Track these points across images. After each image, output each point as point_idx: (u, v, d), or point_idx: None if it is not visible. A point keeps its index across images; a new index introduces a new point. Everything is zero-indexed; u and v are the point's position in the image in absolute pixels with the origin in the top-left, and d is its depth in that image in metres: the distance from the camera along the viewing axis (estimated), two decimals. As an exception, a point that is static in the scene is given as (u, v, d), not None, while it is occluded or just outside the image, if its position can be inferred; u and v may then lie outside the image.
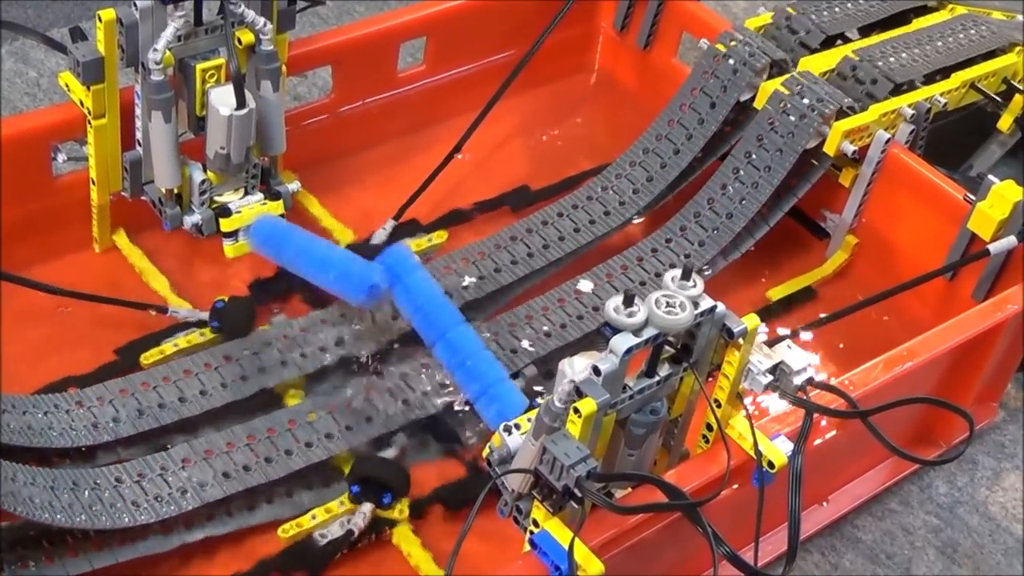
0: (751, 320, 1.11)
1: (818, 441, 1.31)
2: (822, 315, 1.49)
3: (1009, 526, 1.47)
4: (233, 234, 1.44)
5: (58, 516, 1.16)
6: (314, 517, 1.28)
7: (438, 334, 1.29)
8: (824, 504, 1.44)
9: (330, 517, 1.28)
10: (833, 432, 1.33)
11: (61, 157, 1.47)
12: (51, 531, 1.19)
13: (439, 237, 1.59)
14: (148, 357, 1.40)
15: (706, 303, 1.07)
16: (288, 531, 1.27)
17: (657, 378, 1.10)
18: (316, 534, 1.27)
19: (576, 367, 1.06)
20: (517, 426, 1.09)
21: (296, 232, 1.41)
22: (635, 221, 1.62)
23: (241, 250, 1.45)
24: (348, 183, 1.67)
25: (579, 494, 1.03)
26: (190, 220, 1.45)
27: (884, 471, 1.49)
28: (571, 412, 1.03)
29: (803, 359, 1.15)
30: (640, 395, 1.09)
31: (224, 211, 1.45)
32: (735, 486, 1.22)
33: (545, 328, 1.47)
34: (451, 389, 1.39)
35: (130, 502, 1.22)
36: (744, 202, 1.55)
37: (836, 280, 1.67)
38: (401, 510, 1.30)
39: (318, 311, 1.45)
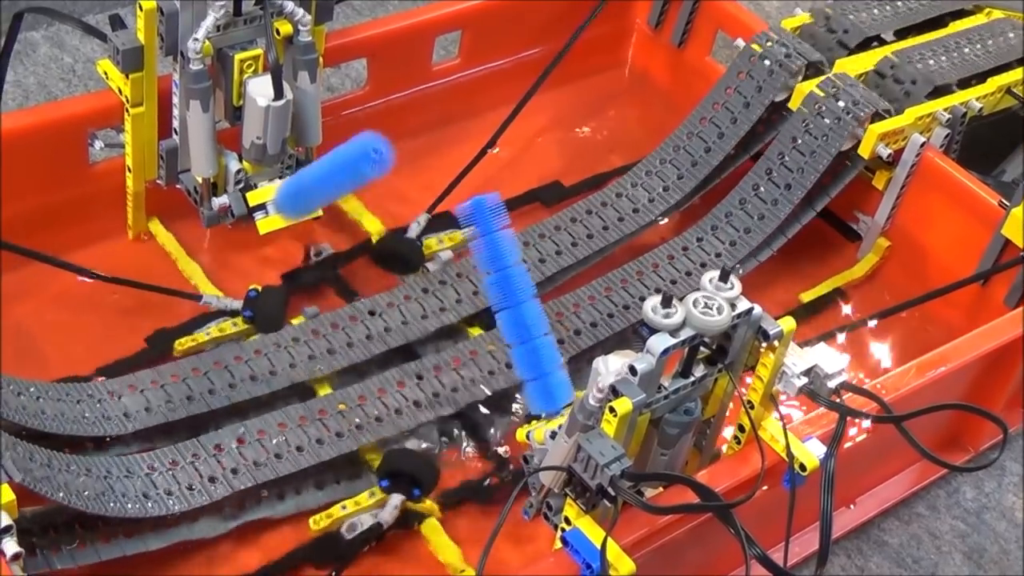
0: (787, 323, 1.11)
1: (848, 444, 1.31)
2: (850, 317, 1.48)
3: (1036, 533, 1.48)
4: (262, 207, 1.43)
5: (91, 503, 1.17)
6: (344, 508, 1.28)
7: (510, 303, 1.19)
8: (851, 507, 1.44)
9: (360, 509, 1.29)
10: (863, 436, 1.33)
11: (98, 144, 1.48)
12: (83, 516, 1.19)
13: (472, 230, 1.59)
14: (181, 344, 1.40)
15: (743, 305, 1.07)
16: (319, 522, 1.27)
17: (692, 379, 1.10)
18: (345, 526, 1.28)
19: (611, 366, 1.06)
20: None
21: (309, 171, 1.35)
22: (662, 221, 1.62)
23: (274, 224, 1.42)
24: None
25: (612, 493, 1.03)
26: (218, 202, 1.44)
27: (912, 475, 1.49)
28: (607, 411, 1.03)
29: (837, 362, 1.15)
30: (675, 395, 1.10)
31: (249, 186, 1.45)
32: (765, 487, 1.22)
33: (576, 326, 1.47)
34: (482, 385, 1.39)
35: (163, 490, 1.22)
36: (776, 204, 1.55)
37: (867, 283, 1.67)
38: (430, 504, 1.30)
39: (347, 307, 1.46)
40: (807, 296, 1.62)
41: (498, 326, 1.14)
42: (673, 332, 1.04)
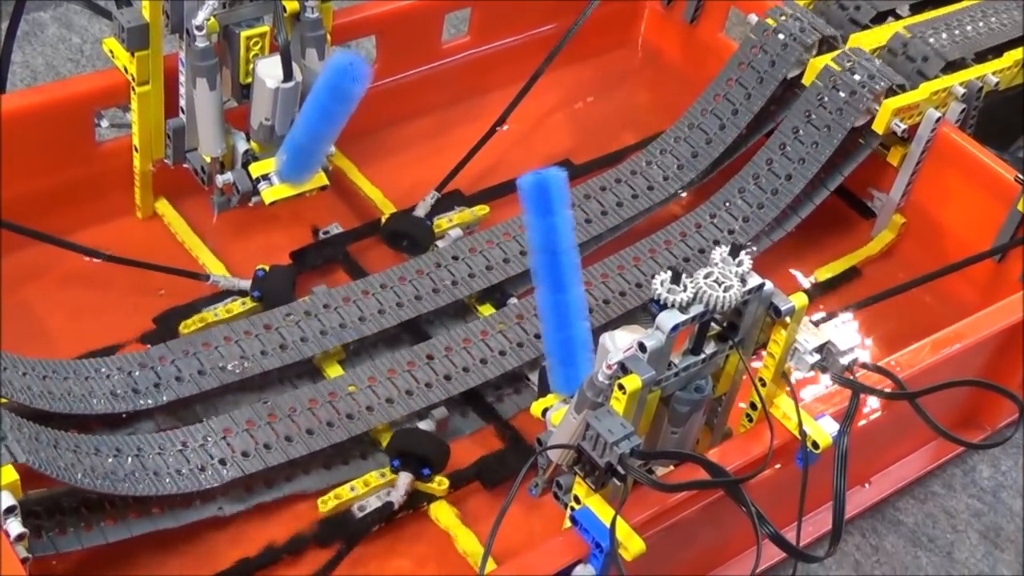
0: (799, 299, 1.09)
1: (862, 422, 1.30)
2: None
3: (1053, 512, 1.46)
4: (267, 178, 1.41)
5: (100, 482, 1.16)
6: (353, 489, 1.27)
7: (555, 286, 1.12)
8: (866, 486, 1.43)
9: (369, 490, 1.28)
10: (877, 413, 1.31)
11: (104, 123, 1.47)
12: (89, 499, 1.19)
13: (481, 211, 1.58)
14: (188, 326, 1.39)
15: (754, 281, 1.06)
16: (327, 503, 1.26)
17: (702, 356, 1.09)
18: (355, 506, 1.27)
19: (618, 342, 1.05)
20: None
21: (299, 121, 1.33)
22: (681, 196, 1.61)
23: (280, 193, 1.40)
24: (390, 154, 1.67)
25: (622, 471, 1.02)
26: (223, 179, 1.43)
27: (927, 454, 1.47)
28: (616, 388, 1.02)
29: (850, 339, 1.13)
30: (685, 372, 1.08)
31: (250, 159, 1.43)
32: (777, 466, 1.21)
33: (589, 304, 1.45)
34: (492, 365, 1.39)
35: (173, 470, 1.22)
36: (790, 179, 1.53)
37: (882, 260, 1.65)
38: (440, 482, 1.29)
39: (359, 281, 1.45)
40: (822, 274, 1.61)
41: (538, 306, 1.11)
42: (683, 308, 1.03)
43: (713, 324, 1.09)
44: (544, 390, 1.26)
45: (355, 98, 1.27)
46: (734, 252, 1.05)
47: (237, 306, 1.42)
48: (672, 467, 1.15)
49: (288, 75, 1.36)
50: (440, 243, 1.52)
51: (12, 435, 1.09)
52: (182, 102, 1.42)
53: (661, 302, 1.03)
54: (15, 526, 1.04)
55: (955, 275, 1.51)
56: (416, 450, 1.29)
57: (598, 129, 1.78)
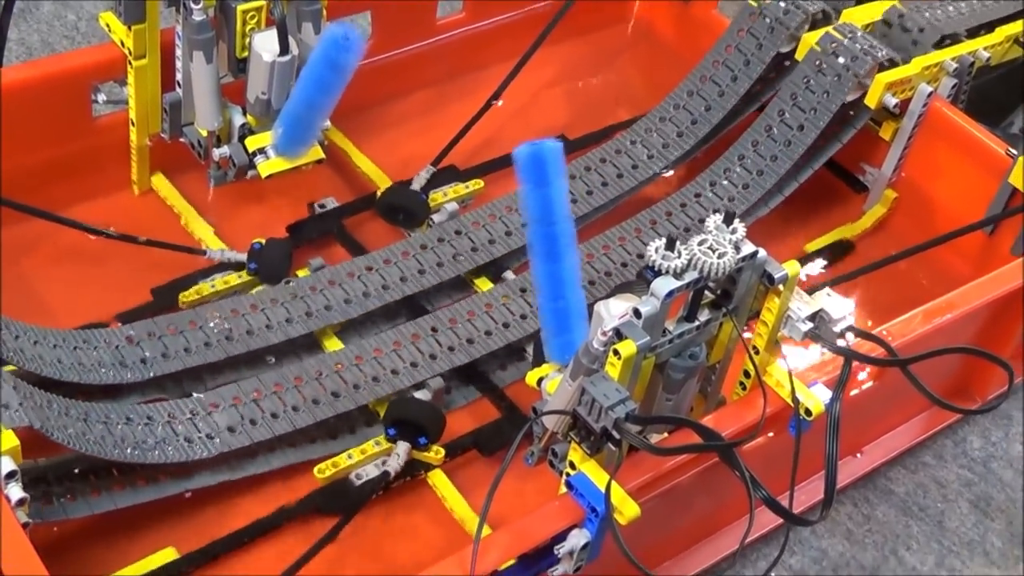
0: (792, 266, 1.11)
1: (854, 392, 1.31)
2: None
3: (1043, 482, 1.48)
4: (263, 151, 1.42)
5: (110, 449, 1.17)
6: (350, 457, 1.28)
7: (550, 256, 1.12)
8: (858, 456, 1.44)
9: (366, 458, 1.29)
10: (869, 383, 1.32)
11: (101, 98, 1.47)
12: (98, 466, 1.20)
13: (476, 185, 1.59)
14: (186, 297, 1.40)
15: (747, 248, 1.07)
16: (324, 471, 1.27)
17: (697, 323, 1.10)
18: (352, 475, 1.28)
19: (612, 310, 1.06)
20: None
21: (294, 94, 1.34)
22: (666, 174, 1.62)
23: (276, 166, 1.40)
24: (385, 129, 1.68)
25: (617, 436, 1.03)
26: (219, 152, 1.44)
27: (918, 425, 1.49)
28: (611, 354, 1.03)
29: (843, 307, 1.15)
30: (679, 339, 1.09)
31: (246, 133, 1.43)
32: (770, 434, 1.23)
33: (589, 277, 1.46)
34: (496, 336, 1.40)
35: (183, 438, 1.23)
36: (789, 146, 1.55)
37: (874, 234, 1.66)
38: (436, 451, 1.30)
39: (362, 257, 1.46)
40: (812, 246, 1.62)
41: (533, 277, 1.12)
42: (677, 275, 1.04)
43: (707, 292, 1.10)
44: (539, 360, 1.27)
45: (350, 69, 1.27)
46: (728, 219, 1.07)
47: (234, 278, 1.43)
48: (666, 434, 1.17)
49: (284, 49, 1.36)
50: (436, 217, 1.53)
51: (22, 401, 1.10)
52: (179, 76, 1.42)
53: (656, 268, 1.04)
54: (16, 491, 1.05)
55: (947, 249, 1.53)
56: (413, 419, 1.29)
57: (592, 105, 1.79)
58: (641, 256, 1.50)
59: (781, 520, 1.29)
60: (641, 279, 1.07)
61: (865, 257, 1.61)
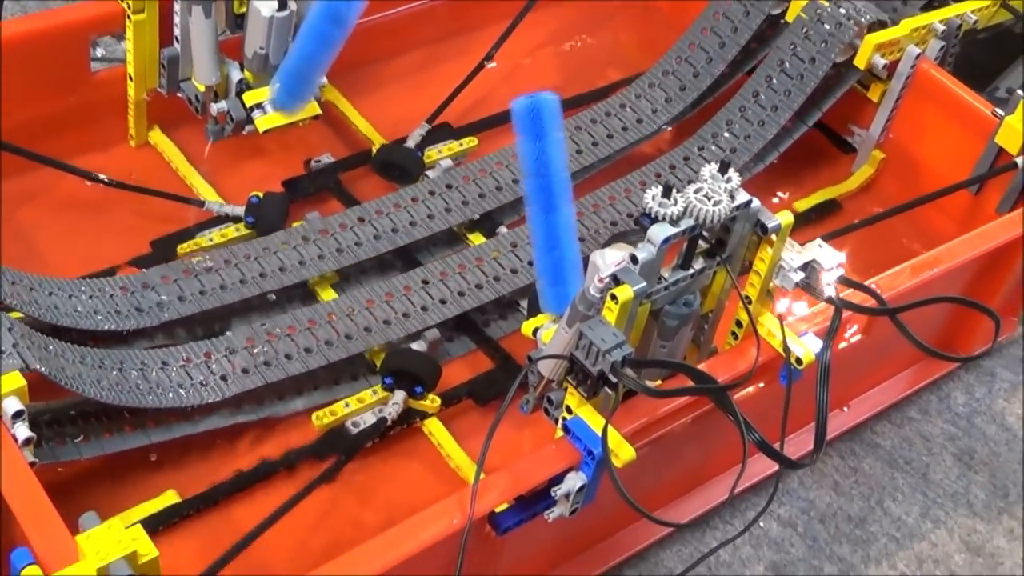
0: (785, 216, 1.13)
1: (842, 344, 1.33)
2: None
3: (1026, 436, 1.51)
4: (260, 107, 1.43)
5: (105, 393, 1.18)
6: (347, 405, 1.30)
7: (546, 208, 1.14)
8: (845, 409, 1.47)
9: (363, 406, 1.31)
10: (857, 337, 1.35)
11: (100, 52, 1.48)
12: (86, 411, 1.21)
13: (470, 142, 1.60)
14: (184, 248, 1.42)
15: (742, 197, 1.09)
16: (322, 418, 1.29)
17: (691, 271, 1.12)
18: (349, 422, 1.30)
19: (608, 259, 1.08)
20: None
21: (294, 47, 1.36)
22: (666, 129, 1.64)
23: (273, 121, 1.42)
24: (380, 88, 1.69)
25: (614, 379, 1.05)
26: (217, 107, 1.45)
27: (904, 380, 1.51)
28: (608, 299, 1.05)
29: (834, 258, 1.17)
30: (674, 286, 1.11)
31: (244, 88, 1.45)
32: (761, 384, 1.25)
33: (579, 235, 1.48)
34: (487, 289, 1.42)
35: (176, 384, 1.24)
36: (777, 110, 1.57)
37: (861, 194, 1.69)
38: (432, 400, 1.32)
39: (355, 208, 1.47)
40: (801, 206, 1.64)
41: (529, 229, 1.14)
42: (673, 222, 1.06)
43: (702, 241, 1.13)
44: (534, 312, 1.29)
45: (350, 24, 1.29)
46: (723, 169, 1.09)
47: (231, 231, 1.45)
48: (660, 382, 1.19)
49: (283, 4, 1.38)
50: (431, 173, 1.55)
51: (24, 344, 1.12)
52: (177, 31, 1.43)
53: (652, 215, 1.06)
54: (23, 430, 1.06)
55: (933, 209, 1.55)
56: (409, 368, 1.31)
57: (584, 66, 1.80)
58: (631, 215, 1.52)
59: (771, 470, 1.34)
60: (637, 227, 1.09)
61: (853, 217, 1.63)
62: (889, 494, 1.43)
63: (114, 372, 1.21)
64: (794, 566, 1.34)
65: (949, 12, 1.62)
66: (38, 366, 1.11)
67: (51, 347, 1.17)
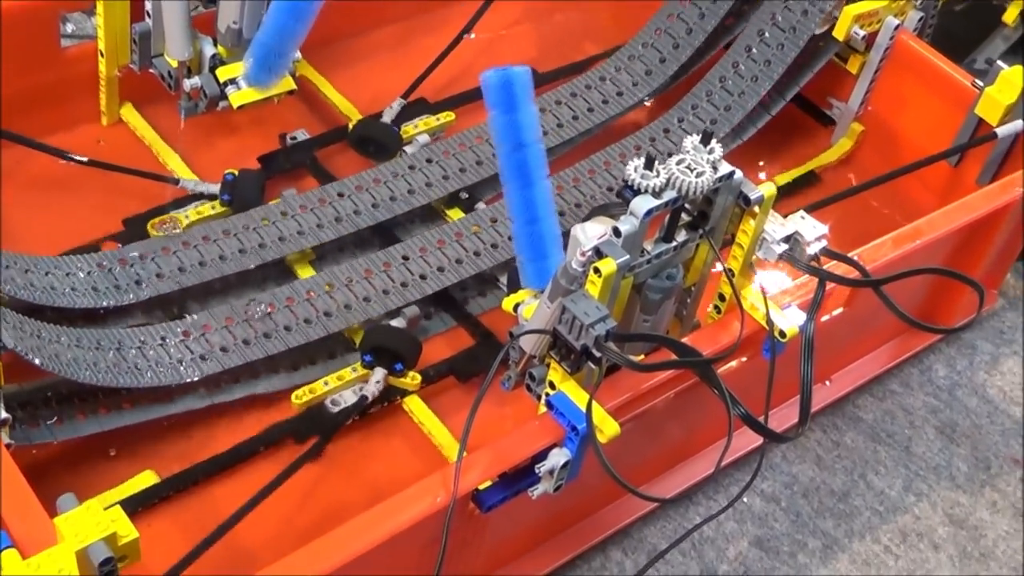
0: (767, 188, 1.12)
1: (825, 318, 1.33)
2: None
3: (1007, 408, 1.50)
4: (234, 82, 1.40)
5: (83, 372, 1.17)
6: (327, 384, 1.29)
7: (523, 182, 1.13)
8: (827, 383, 1.46)
9: (342, 384, 1.29)
10: (839, 310, 1.34)
11: (70, 28, 1.46)
12: (60, 393, 1.20)
13: (447, 117, 1.59)
14: (154, 224, 1.40)
15: (725, 168, 1.08)
16: (301, 397, 1.28)
17: (674, 243, 1.11)
18: (327, 401, 1.29)
19: (589, 232, 1.07)
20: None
21: (267, 20, 1.34)
22: (647, 102, 1.63)
23: (248, 96, 1.40)
24: (356, 62, 1.67)
25: (598, 354, 1.04)
26: (190, 83, 1.43)
27: (885, 354, 1.51)
28: (591, 272, 1.04)
29: (817, 229, 1.16)
30: (657, 259, 1.10)
31: (217, 63, 1.42)
32: (744, 359, 1.24)
33: (559, 208, 1.47)
34: (467, 265, 1.40)
35: (154, 363, 1.23)
36: (756, 80, 1.56)
37: (841, 167, 1.68)
38: (413, 377, 1.31)
39: (334, 183, 1.46)
40: (781, 179, 1.63)
41: (507, 203, 1.13)
42: (656, 193, 1.05)
43: (684, 214, 1.11)
44: (515, 288, 1.28)
45: None
46: (705, 140, 1.07)
47: (207, 209, 1.43)
48: (643, 356, 1.18)
49: (256, -23, 1.36)
50: (408, 148, 1.53)
51: (-2, 322, 1.10)
52: (148, 6, 1.41)
53: (634, 187, 1.05)
54: (-2, 412, 1.05)
55: (913, 181, 1.54)
56: (389, 345, 1.30)
57: (562, 40, 1.79)
58: (611, 189, 1.51)
59: (753, 445, 1.33)
60: (619, 200, 1.08)
61: (832, 189, 1.62)
62: (872, 468, 1.42)
63: (91, 352, 1.20)
64: (778, 541, 1.34)
65: (929, -18, 1.61)
66: (14, 345, 1.09)
67: (27, 327, 1.15)
